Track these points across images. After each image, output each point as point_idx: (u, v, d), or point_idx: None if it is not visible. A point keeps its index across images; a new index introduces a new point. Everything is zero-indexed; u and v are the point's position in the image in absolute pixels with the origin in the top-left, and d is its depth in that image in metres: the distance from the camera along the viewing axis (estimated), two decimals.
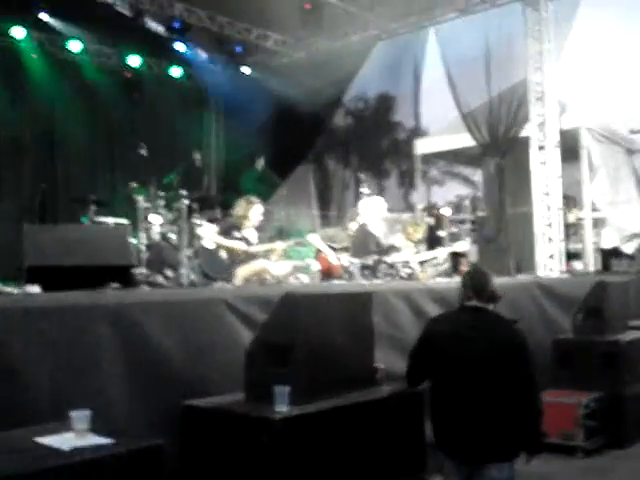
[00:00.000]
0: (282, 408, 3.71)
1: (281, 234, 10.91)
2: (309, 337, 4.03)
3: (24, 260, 5.13)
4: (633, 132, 15.82)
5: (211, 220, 10.65)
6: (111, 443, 3.01)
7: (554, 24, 11.73)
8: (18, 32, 12.74)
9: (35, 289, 4.65)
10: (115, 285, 4.92)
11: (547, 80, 11.61)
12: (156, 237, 9.29)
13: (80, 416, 3.14)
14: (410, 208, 21.31)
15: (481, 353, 3.91)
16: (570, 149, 11.94)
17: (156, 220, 9.31)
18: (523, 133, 11.86)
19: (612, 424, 7.16)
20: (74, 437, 3.08)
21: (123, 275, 5.25)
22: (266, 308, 4.93)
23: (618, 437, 7.18)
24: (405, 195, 32.00)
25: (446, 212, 13.12)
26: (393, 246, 8.72)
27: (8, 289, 4.65)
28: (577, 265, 12.15)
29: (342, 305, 4.41)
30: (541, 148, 11.50)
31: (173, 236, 9.56)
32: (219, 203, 11.63)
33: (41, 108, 13.27)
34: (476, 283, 4.11)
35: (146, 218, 9.32)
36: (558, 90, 11.88)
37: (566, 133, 11.84)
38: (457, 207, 17.32)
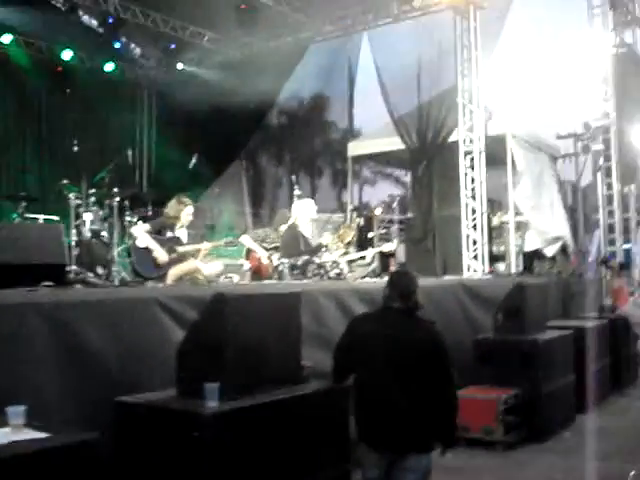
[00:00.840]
0: (212, 403, 3.85)
1: (212, 232, 10.99)
2: (238, 336, 4.17)
3: None
4: (559, 137, 16.43)
5: (143, 217, 10.68)
6: (47, 437, 3.11)
7: (482, 34, 12.08)
8: None
9: None
10: (48, 283, 4.97)
11: (475, 87, 11.95)
12: (87, 234, 9.26)
13: (16, 411, 3.22)
14: (342, 208, 21.55)
15: (402, 351, 4.13)
16: (496, 155, 12.32)
17: (87, 217, 9.27)
18: (451, 138, 12.21)
19: (530, 419, 7.52)
20: (10, 432, 3.16)
21: (56, 274, 5.30)
22: (198, 307, 5.05)
23: (536, 431, 7.54)
24: (338, 194, 32.32)
25: (377, 212, 13.41)
26: (321, 244, 8.92)
27: None
28: (500, 267, 12.55)
29: (271, 305, 4.57)
30: (468, 153, 11.84)
31: (104, 233, 9.54)
32: (151, 200, 11.63)
33: None
34: (403, 288, 4.31)
35: (77, 215, 9.29)
36: (485, 97, 12.23)
37: (492, 139, 12.21)
38: (388, 207, 17.65)
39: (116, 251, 9.20)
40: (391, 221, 13.38)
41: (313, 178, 30.69)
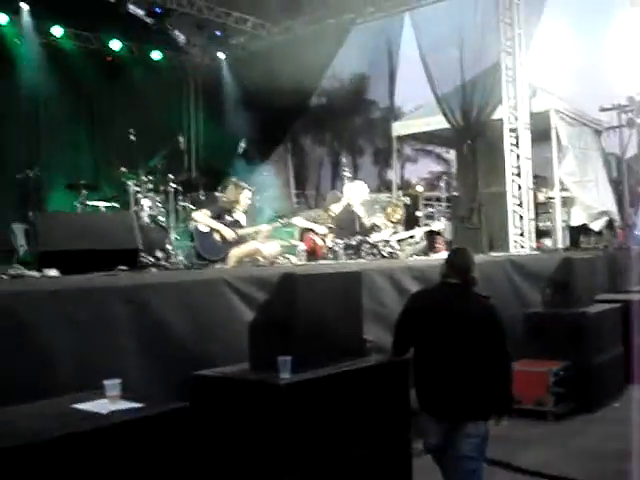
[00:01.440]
0: (285, 375, 4.16)
1: (262, 214, 11.30)
2: (306, 313, 4.47)
3: (38, 246, 5.51)
4: (603, 109, 16.36)
5: (196, 202, 11.04)
6: (142, 406, 3.44)
7: (525, 10, 12.11)
8: (1, 18, 12.92)
9: (54, 272, 5.05)
10: (123, 268, 5.31)
11: (518, 64, 11.99)
12: (146, 220, 9.62)
13: (112, 384, 3.55)
14: (385, 185, 21.72)
15: (459, 325, 4.39)
16: (540, 131, 12.39)
17: (146, 203, 9.63)
18: (495, 116, 12.29)
19: (580, 391, 7.70)
20: (109, 403, 3.49)
21: (130, 258, 5.65)
22: (262, 287, 5.39)
23: (585, 402, 7.72)
24: (380, 172, 32.47)
25: (419, 189, 13.61)
26: (375, 225, 9.17)
27: (30, 273, 5.04)
28: (547, 242, 12.66)
29: (334, 283, 4.86)
30: (512, 130, 11.92)
31: (161, 218, 9.91)
32: (202, 185, 11.98)
33: (25, 93, 13.46)
34: (461, 265, 4.56)
35: (136, 202, 9.67)
36: (529, 73, 12.27)
37: (536, 115, 12.26)
38: (430, 185, 17.77)
39: (174, 235, 9.60)
40: (438, 199, 13.56)
41: (355, 157, 30.88)
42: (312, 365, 4.38)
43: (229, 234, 8.01)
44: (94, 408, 3.43)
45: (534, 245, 11.85)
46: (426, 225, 10.85)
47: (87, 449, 3.08)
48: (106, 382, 3.56)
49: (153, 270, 6.11)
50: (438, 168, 35.25)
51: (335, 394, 4.39)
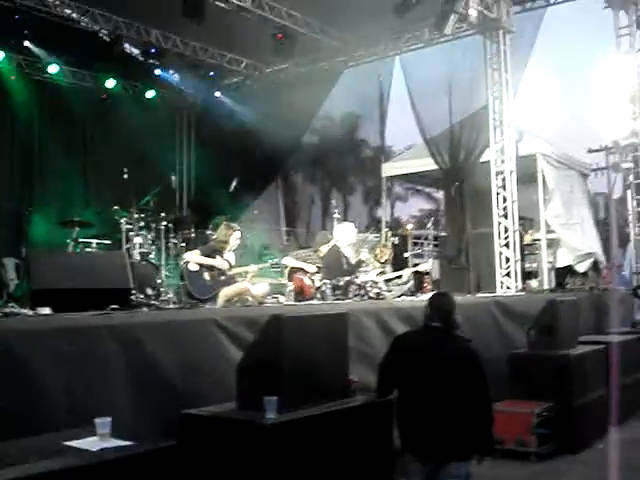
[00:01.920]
0: (271, 415, 4.26)
1: (252, 253, 11.44)
2: (293, 353, 4.59)
3: (30, 284, 5.62)
4: (591, 151, 16.63)
5: (187, 240, 11.18)
6: (132, 444, 3.54)
7: (512, 56, 12.41)
8: None
9: (46, 310, 5.15)
10: (115, 307, 5.42)
11: (505, 108, 12.26)
12: (137, 257, 9.75)
13: (102, 422, 3.63)
14: (376, 223, 21.85)
15: (442, 367, 4.52)
16: (527, 174, 12.60)
17: (137, 240, 9.77)
18: (482, 158, 12.52)
19: (563, 432, 7.74)
20: (98, 440, 3.57)
21: (122, 297, 5.76)
22: (250, 327, 5.51)
23: (569, 443, 7.76)
24: (370, 211, 32.70)
25: (409, 227, 13.77)
26: (361, 260, 9.28)
27: (24, 311, 5.15)
28: (533, 283, 12.80)
29: (321, 325, 4.99)
30: (499, 173, 12.15)
31: (152, 256, 10.04)
32: (193, 223, 12.13)
33: (19, 129, 13.65)
34: (442, 309, 4.72)
35: (128, 239, 9.81)
36: (516, 118, 12.54)
37: (523, 158, 12.49)
38: (420, 223, 17.92)
39: (164, 272, 9.72)
40: (427, 237, 13.71)
41: (345, 195, 31.12)
42: (298, 405, 4.49)
43: (223, 265, 8.15)
44: (84, 445, 3.51)
45: (520, 286, 11.99)
46: (414, 265, 10.99)
47: None
48: (97, 420, 3.65)
49: (144, 309, 6.22)
50: (428, 206, 35.55)
51: (321, 434, 4.49)
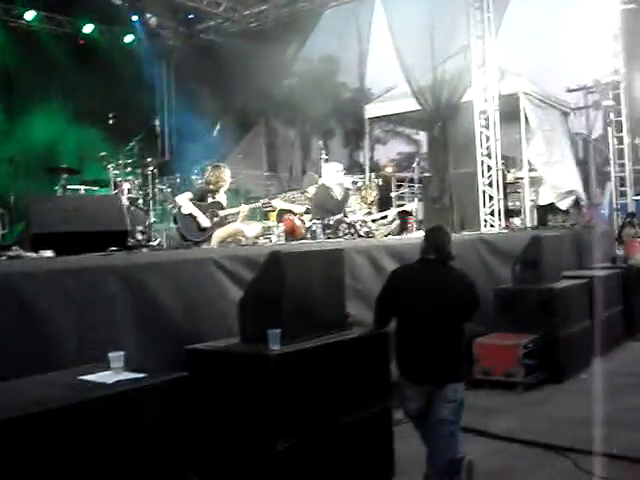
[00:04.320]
0: (275, 347, 4.42)
1: (237, 196, 11.50)
2: (293, 289, 4.72)
3: (30, 228, 5.70)
4: (570, 90, 16.75)
5: (171, 185, 11.23)
6: (146, 376, 3.67)
7: None
8: None
9: (49, 253, 5.24)
10: (114, 248, 5.51)
11: (488, 48, 12.26)
12: (125, 202, 9.78)
13: (116, 356, 3.75)
14: (356, 166, 21.90)
15: (439, 295, 4.70)
16: (509, 112, 12.69)
17: (125, 186, 9.81)
18: (465, 98, 12.57)
19: (549, 362, 8.04)
20: (113, 374, 3.70)
21: (120, 239, 5.86)
22: (248, 266, 5.64)
23: (554, 373, 8.06)
24: (350, 154, 32.64)
25: (388, 170, 13.87)
26: (347, 191, 9.36)
27: (27, 254, 5.23)
28: (516, 221, 13.00)
29: (319, 261, 5.12)
30: (482, 112, 12.22)
31: (140, 201, 10.10)
32: (177, 168, 12.15)
33: None
34: (438, 242, 4.87)
35: (116, 185, 9.84)
36: (498, 57, 12.55)
37: (505, 98, 12.56)
38: (399, 166, 17.98)
39: (152, 217, 9.80)
40: (411, 180, 13.81)
41: (325, 139, 30.96)
42: (299, 338, 4.65)
43: (205, 222, 8.20)
44: (99, 379, 3.62)
45: (504, 224, 12.17)
46: (399, 206, 11.13)
47: (97, 416, 3.29)
48: (111, 354, 3.76)
49: (144, 250, 6.32)
50: (407, 149, 35.52)
51: (321, 365, 4.66)
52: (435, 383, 4.65)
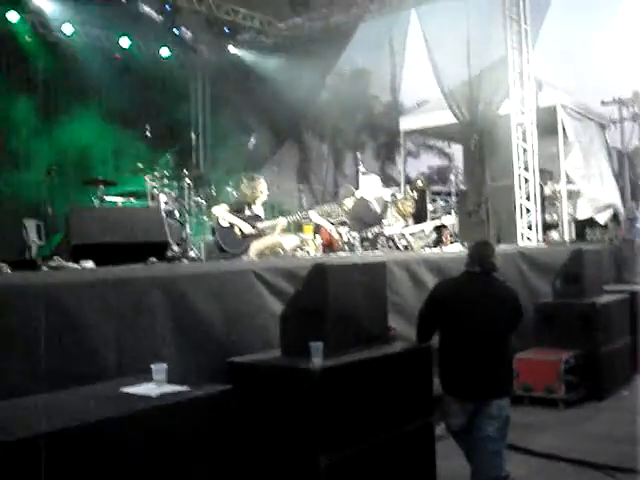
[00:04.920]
0: (317, 359, 4.36)
1: (272, 209, 11.48)
2: (336, 301, 4.67)
3: (70, 239, 5.70)
4: (603, 103, 16.53)
5: (207, 197, 11.25)
6: (191, 389, 3.62)
7: (531, 6, 12.25)
8: (12, 16, 13.08)
9: (89, 264, 5.23)
10: (153, 260, 5.50)
11: (525, 59, 12.14)
12: (162, 215, 9.80)
13: (159, 368, 3.71)
14: (388, 180, 21.83)
15: (484, 308, 4.63)
16: (546, 125, 12.53)
17: (162, 198, 9.84)
18: (502, 110, 12.45)
19: (590, 379, 7.91)
20: (156, 386, 3.65)
21: (160, 251, 5.85)
22: (287, 277, 5.59)
23: (595, 390, 7.93)
24: (382, 167, 32.58)
25: (418, 183, 13.80)
26: (386, 204, 9.30)
27: (69, 264, 5.23)
28: (554, 235, 12.81)
29: (362, 273, 5.06)
30: (519, 125, 12.08)
31: (176, 213, 10.12)
32: (212, 180, 12.18)
33: (37, 90, 13.60)
34: (482, 254, 4.80)
35: (153, 197, 9.87)
36: (535, 68, 12.42)
37: (543, 110, 12.41)
38: (429, 179, 17.85)
39: (189, 230, 9.81)
40: (448, 194, 13.70)
41: (357, 153, 30.92)
42: (341, 351, 4.58)
43: (247, 229, 8.17)
44: (142, 391, 3.57)
45: (541, 238, 12.01)
46: (433, 219, 11.03)
47: (141, 430, 3.24)
48: (154, 366, 3.72)
49: (185, 262, 6.31)
50: (438, 163, 35.34)
51: (364, 379, 4.58)
52: (480, 399, 4.56)
